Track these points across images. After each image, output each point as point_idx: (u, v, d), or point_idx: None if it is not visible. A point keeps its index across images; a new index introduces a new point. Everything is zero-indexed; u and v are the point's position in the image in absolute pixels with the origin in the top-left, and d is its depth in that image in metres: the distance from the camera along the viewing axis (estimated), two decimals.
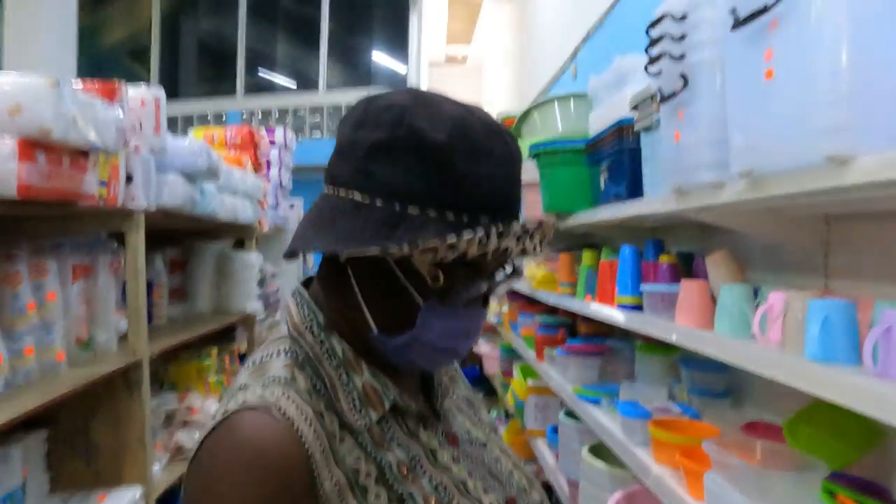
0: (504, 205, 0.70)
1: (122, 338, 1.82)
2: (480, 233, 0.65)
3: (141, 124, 1.78)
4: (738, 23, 1.05)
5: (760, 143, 1.06)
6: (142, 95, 1.80)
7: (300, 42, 9.35)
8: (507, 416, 3.99)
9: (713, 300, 1.44)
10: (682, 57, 1.30)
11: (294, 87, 9.19)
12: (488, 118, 0.72)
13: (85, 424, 1.72)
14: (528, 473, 0.87)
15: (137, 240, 1.71)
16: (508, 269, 0.77)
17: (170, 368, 2.27)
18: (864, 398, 0.84)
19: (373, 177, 0.69)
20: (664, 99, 1.37)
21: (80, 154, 1.37)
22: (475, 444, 0.82)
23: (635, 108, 1.68)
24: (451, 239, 0.65)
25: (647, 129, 1.63)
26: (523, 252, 0.70)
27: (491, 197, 0.69)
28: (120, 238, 1.78)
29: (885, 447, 1.23)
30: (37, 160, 1.19)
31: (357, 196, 0.69)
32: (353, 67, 9.35)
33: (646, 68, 1.42)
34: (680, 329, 1.41)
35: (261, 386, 0.69)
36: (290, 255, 0.76)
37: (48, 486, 1.66)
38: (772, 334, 1.15)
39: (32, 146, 1.18)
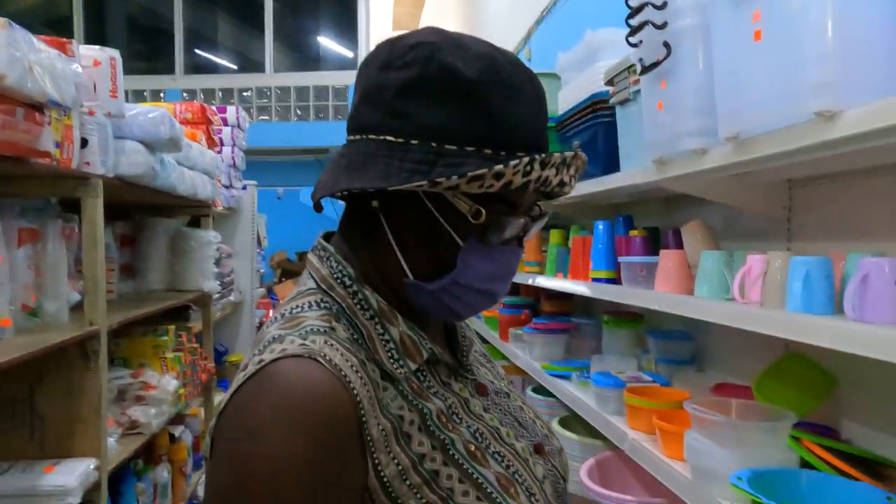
0: (537, 142, 0.70)
1: (74, 309, 1.73)
2: (526, 160, 0.64)
3: (95, 86, 1.68)
4: None
5: (748, 106, 1.08)
6: (95, 55, 1.70)
7: (242, 23, 9.09)
8: None
9: (690, 268, 1.47)
10: (664, 25, 1.31)
11: (235, 69, 8.93)
12: (515, 58, 0.72)
13: (29, 395, 1.62)
14: (546, 422, 0.87)
15: (95, 206, 1.62)
16: (538, 211, 0.76)
17: (121, 343, 2.17)
18: (846, 339, 0.87)
19: (406, 117, 0.67)
20: (645, 69, 1.38)
21: (35, 108, 1.28)
22: (501, 395, 0.82)
23: (610, 82, 1.69)
24: (499, 167, 0.64)
25: (624, 102, 1.64)
26: (561, 184, 0.70)
27: (525, 132, 0.69)
28: (70, 206, 1.68)
29: (835, 396, 1.34)
30: None
31: (390, 138, 0.67)
32: (299, 51, 9.16)
33: (627, 39, 1.42)
34: (662, 297, 1.43)
35: (299, 336, 0.65)
36: (318, 204, 0.72)
37: None
38: (752, 294, 1.18)
39: None
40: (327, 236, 0.80)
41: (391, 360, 0.69)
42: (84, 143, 1.63)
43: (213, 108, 3.57)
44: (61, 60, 1.32)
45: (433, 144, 0.66)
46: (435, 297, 0.71)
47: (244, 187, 3.97)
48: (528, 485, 0.71)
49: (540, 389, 2.37)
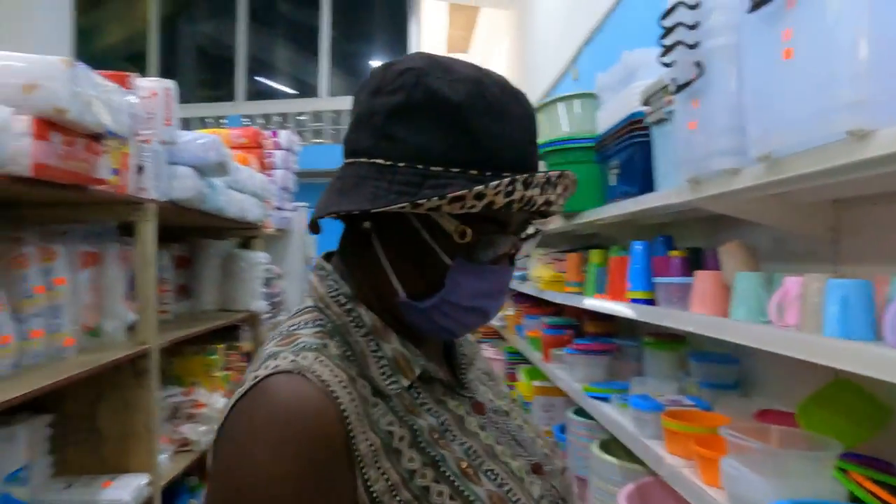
0: (524, 162, 0.71)
1: (130, 329, 1.81)
2: (506, 181, 0.66)
3: (152, 115, 1.78)
4: (756, 5, 1.06)
5: (779, 125, 1.06)
6: (152, 86, 1.80)
7: (299, 49, 9.39)
8: None
9: (727, 290, 1.44)
10: (696, 45, 1.31)
11: (294, 93, 9.21)
12: (502, 79, 0.73)
13: (91, 412, 1.71)
14: (549, 442, 0.87)
15: (148, 230, 1.71)
16: (531, 229, 0.78)
17: (174, 362, 2.26)
18: (886, 367, 0.84)
19: (394, 140, 0.69)
20: (678, 89, 1.37)
21: (94, 138, 1.37)
22: (499, 413, 0.82)
23: (646, 102, 1.69)
24: (479, 187, 0.65)
25: (659, 122, 1.63)
26: (548, 203, 0.71)
27: (511, 154, 0.70)
28: (128, 229, 1.77)
29: (893, 427, 1.26)
30: (51, 140, 1.19)
31: (380, 161, 0.70)
32: (352, 74, 9.38)
33: (659, 59, 1.42)
34: (696, 318, 1.41)
35: (292, 353, 0.68)
36: (314, 224, 0.76)
37: (52, 470, 1.64)
38: (788, 317, 1.15)
39: (47, 125, 1.18)
40: (328, 256, 0.82)
41: (383, 377, 0.71)
42: (140, 169, 1.72)
43: (267, 132, 3.69)
44: (118, 93, 1.41)
45: (420, 167, 0.68)
46: (427, 316, 0.73)
47: (295, 209, 4.07)
48: (522, 503, 0.71)
49: (581, 411, 2.34)
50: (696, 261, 1.73)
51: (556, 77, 4.88)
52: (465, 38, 9.52)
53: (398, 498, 0.65)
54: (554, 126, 2.79)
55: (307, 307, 0.77)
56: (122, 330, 1.76)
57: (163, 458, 1.87)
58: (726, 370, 1.83)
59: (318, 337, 0.71)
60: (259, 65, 9.26)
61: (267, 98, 9.10)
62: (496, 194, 0.66)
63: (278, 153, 3.79)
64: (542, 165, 2.50)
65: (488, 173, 0.68)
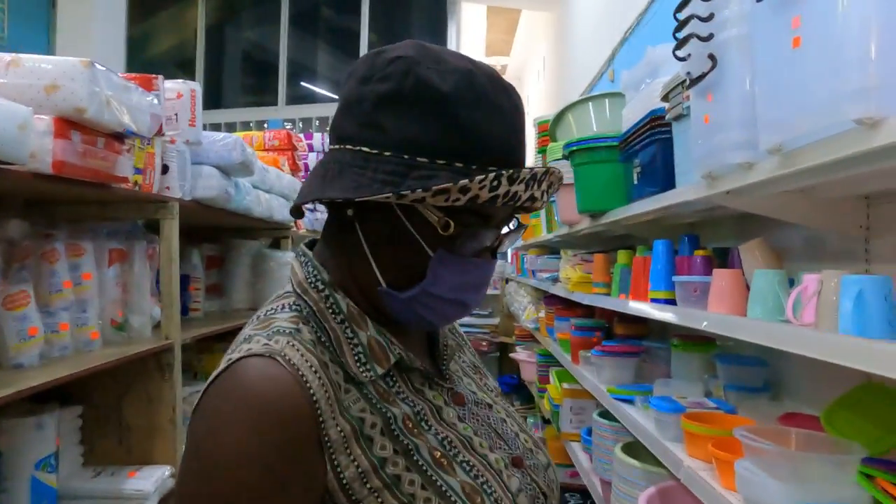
0: (510, 157, 0.71)
1: (157, 326, 1.86)
2: (492, 175, 0.65)
3: (177, 116, 1.83)
4: None
5: (789, 116, 1.02)
6: (178, 88, 1.85)
7: (340, 53, 9.52)
8: (544, 421, 3.95)
9: (747, 289, 1.40)
10: (709, 37, 1.27)
11: (335, 98, 9.33)
12: (492, 72, 0.73)
13: (118, 404, 1.76)
14: (535, 437, 0.86)
15: (171, 227, 1.75)
16: (513, 223, 0.78)
17: (204, 359, 2.31)
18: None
19: (381, 128, 0.69)
20: (693, 83, 1.34)
21: (115, 137, 1.42)
22: (481, 406, 0.82)
23: (665, 97, 1.65)
24: (464, 181, 0.64)
25: (678, 117, 1.60)
26: (532, 200, 0.70)
27: (498, 148, 0.69)
28: (154, 228, 1.82)
29: None
30: (72, 138, 1.23)
31: (365, 149, 0.69)
32: None
33: (674, 52, 1.39)
34: (710, 316, 1.38)
35: (265, 336, 0.69)
36: (297, 209, 0.76)
37: (81, 460, 1.70)
38: (805, 315, 1.11)
39: (68, 125, 1.22)
40: (311, 244, 0.83)
41: (357, 364, 0.71)
42: (165, 169, 1.77)
43: (301, 135, 3.75)
44: (137, 94, 1.45)
45: (405, 156, 0.68)
46: (407, 306, 0.73)
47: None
48: (497, 496, 0.70)
49: (606, 414, 2.31)
50: (722, 260, 1.69)
51: (594, 78, 4.83)
52: (506, 41, 9.50)
53: (368, 485, 0.65)
54: (584, 126, 2.76)
55: (286, 292, 0.78)
56: (148, 325, 1.81)
57: None
58: (753, 372, 1.78)
59: (292, 322, 0.71)
60: (301, 69, 9.42)
61: (309, 102, 9.25)
62: (481, 188, 0.65)
63: (311, 155, 3.84)
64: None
65: (474, 166, 0.68)
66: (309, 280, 0.76)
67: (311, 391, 0.65)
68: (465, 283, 0.73)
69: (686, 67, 1.37)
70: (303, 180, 3.63)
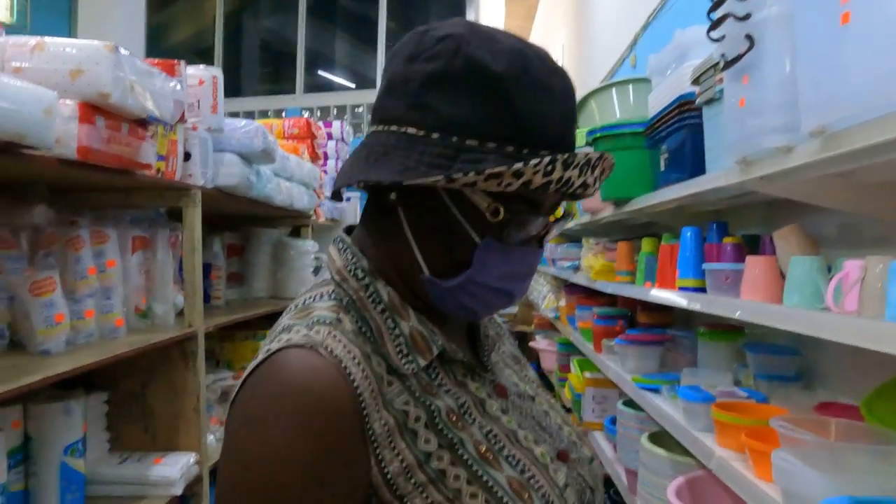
0: (562, 141, 0.67)
1: (180, 314, 1.86)
2: (547, 160, 0.62)
3: (199, 103, 1.82)
4: None
5: (834, 97, 0.99)
6: (200, 74, 1.84)
7: (358, 41, 9.49)
8: (565, 410, 3.93)
9: (782, 276, 1.36)
10: (746, 17, 1.23)
11: (353, 87, 9.33)
12: (544, 53, 0.70)
13: (143, 392, 1.77)
14: (578, 430, 0.83)
15: (194, 215, 1.75)
16: (561, 211, 0.76)
17: (226, 347, 2.31)
18: None
19: (428, 109, 0.66)
20: (728, 64, 1.30)
21: (139, 123, 1.41)
22: (524, 398, 0.79)
23: (696, 81, 1.62)
24: (518, 165, 0.61)
25: (710, 102, 1.56)
26: (584, 186, 0.67)
27: (551, 132, 0.66)
28: (177, 215, 1.82)
29: None
30: (96, 124, 1.22)
31: (411, 130, 0.66)
32: None
33: (708, 33, 1.35)
34: (745, 304, 1.34)
35: (305, 326, 0.66)
36: (337, 193, 0.74)
37: (108, 446, 1.71)
38: (847, 303, 1.08)
39: (92, 110, 1.21)
40: (350, 229, 0.80)
41: (399, 355, 0.68)
42: (187, 156, 1.76)
43: (320, 123, 3.74)
44: (161, 79, 1.44)
45: (454, 139, 0.64)
46: (451, 294, 0.70)
47: (348, 199, 4.12)
48: (544, 491, 0.68)
49: (631, 403, 2.28)
50: (752, 248, 1.65)
51: (615, 64, 4.76)
52: (524, 28, 9.41)
53: (413, 480, 0.63)
54: (607, 112, 2.71)
55: (324, 280, 0.75)
56: (172, 313, 1.81)
57: (211, 438, 1.91)
58: (785, 361, 1.74)
59: (332, 311, 0.69)
60: (319, 58, 9.41)
61: (326, 90, 9.24)
62: (535, 173, 0.62)
63: (330, 143, 3.83)
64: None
65: (525, 151, 0.65)
66: (348, 268, 0.73)
67: (355, 383, 0.62)
68: (512, 273, 0.70)
69: (721, 49, 1.33)
70: (323, 169, 3.63)
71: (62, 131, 1.16)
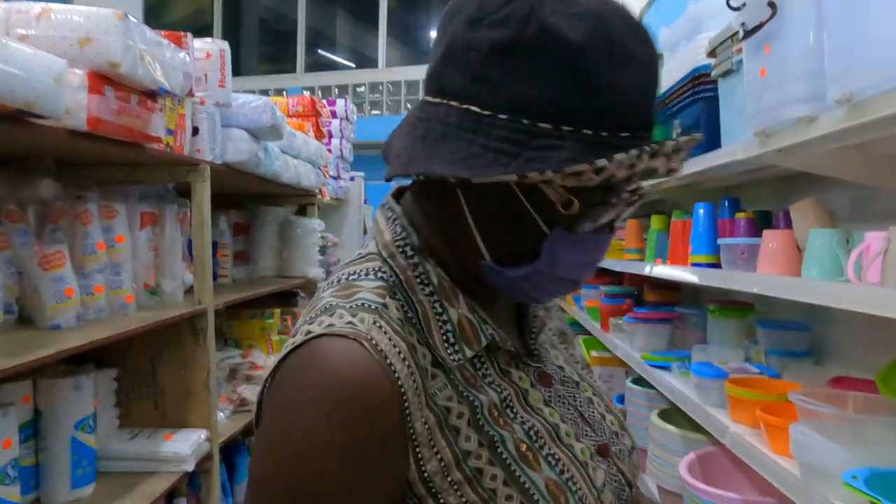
0: (644, 120, 0.59)
1: (188, 291, 1.85)
2: (634, 153, 0.55)
3: (206, 76, 1.79)
4: None
5: (861, 64, 0.97)
6: (207, 48, 1.82)
7: (359, 20, 9.41)
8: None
9: (798, 251, 1.35)
10: None
11: (353, 66, 9.26)
12: (626, 12, 0.60)
13: (153, 368, 1.76)
14: (620, 418, 0.79)
15: (203, 190, 1.73)
16: (635, 193, 0.66)
17: (233, 325, 2.31)
18: None
19: (495, 84, 0.58)
20: (748, 34, 1.28)
21: (148, 95, 1.38)
22: (568, 384, 0.75)
23: (712, 53, 1.59)
24: (602, 161, 0.54)
25: (726, 73, 1.54)
26: (669, 172, 0.61)
27: (632, 111, 0.58)
28: (185, 192, 1.80)
29: None
30: (105, 94, 1.20)
31: (475, 108, 0.59)
32: (411, 45, 9.35)
33: (728, 2, 1.33)
34: (764, 279, 1.33)
35: (349, 311, 0.61)
36: (393, 178, 0.65)
37: (118, 422, 1.71)
38: (869, 275, 1.07)
39: (102, 80, 1.19)
40: (399, 193, 0.74)
41: (445, 345, 0.64)
42: (195, 131, 1.74)
43: (324, 101, 3.70)
44: (170, 50, 1.42)
45: (525, 121, 0.57)
46: (513, 283, 0.65)
47: (352, 178, 4.09)
48: (581, 494, 0.65)
49: (640, 381, 2.28)
50: (765, 223, 1.64)
51: None
52: None
53: (449, 478, 0.60)
54: None
55: (370, 254, 0.70)
56: (181, 290, 1.80)
57: (221, 416, 1.91)
58: (796, 337, 1.74)
59: (378, 294, 0.64)
60: (319, 37, 9.33)
61: (327, 70, 9.19)
62: (619, 167, 0.55)
63: (335, 122, 3.80)
64: None
65: (604, 133, 0.57)
66: (396, 242, 0.68)
67: (399, 382, 0.58)
68: (581, 262, 0.65)
69: (740, 18, 1.31)
70: (328, 147, 3.60)
71: (72, 101, 1.14)
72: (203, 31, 8.97)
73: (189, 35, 1.66)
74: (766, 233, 1.41)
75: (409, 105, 8.68)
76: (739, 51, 1.41)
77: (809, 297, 1.14)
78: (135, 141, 1.38)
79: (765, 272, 1.38)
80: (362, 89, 8.84)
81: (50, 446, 1.42)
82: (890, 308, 0.92)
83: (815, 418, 1.14)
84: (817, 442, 1.11)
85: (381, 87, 8.78)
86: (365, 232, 4.36)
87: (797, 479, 1.16)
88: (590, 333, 3.28)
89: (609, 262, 2.72)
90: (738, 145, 1.45)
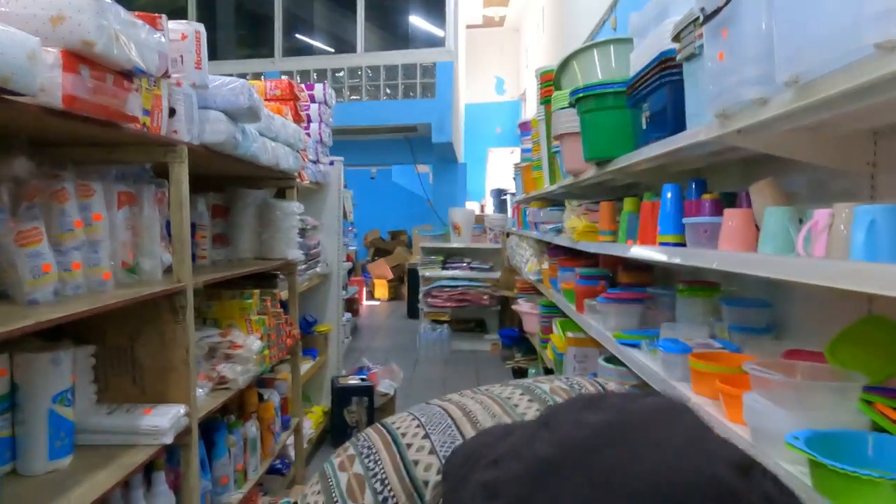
0: None
1: (167, 271, 1.87)
2: None
3: (182, 58, 1.81)
4: None
5: (806, 45, 1.02)
6: (182, 29, 1.82)
7: (336, 5, 9.34)
8: (547, 371, 4.02)
9: (757, 229, 1.41)
10: None
11: (332, 51, 9.21)
12: None
13: (131, 346, 1.79)
14: None
15: (181, 171, 1.74)
16: None
17: (213, 305, 2.33)
18: None
19: None
20: (707, 18, 1.33)
21: (123, 75, 1.40)
22: None
23: (677, 38, 1.64)
24: None
25: (690, 57, 1.58)
26: None
27: None
28: (164, 174, 1.82)
29: None
30: (81, 73, 1.22)
31: None
32: (390, 30, 9.31)
33: None
34: (720, 254, 1.39)
35: None
36: None
37: (95, 398, 1.73)
38: (816, 249, 1.12)
39: (76, 58, 1.21)
40: None
41: None
42: (172, 112, 1.75)
43: (302, 85, 3.71)
44: (145, 31, 1.43)
45: None
46: None
47: (331, 163, 4.10)
48: None
49: (612, 359, 2.35)
50: (729, 204, 1.69)
51: (595, 27, 4.76)
52: None
53: None
54: (590, 74, 2.72)
55: None
56: (160, 269, 1.82)
57: (200, 392, 1.94)
58: (758, 314, 1.81)
59: None
60: (297, 21, 9.26)
61: (305, 55, 9.12)
62: None
63: (313, 106, 3.80)
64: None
65: None
66: None
67: None
68: None
69: (700, 3, 1.35)
70: (306, 131, 3.60)
71: (46, 79, 1.16)
72: (177, 13, 8.86)
73: (164, 17, 1.67)
74: (727, 211, 1.46)
75: (388, 90, 8.65)
76: (701, 35, 1.45)
77: (762, 270, 1.20)
78: (111, 120, 1.39)
79: (725, 249, 1.43)
80: (341, 74, 8.80)
81: (27, 419, 1.44)
82: (830, 278, 0.98)
83: (765, 386, 1.21)
84: (766, 408, 1.18)
85: (359, 72, 8.74)
86: (345, 216, 4.38)
87: (748, 444, 1.23)
88: (566, 315, 3.35)
89: (583, 245, 2.78)
90: (701, 127, 1.50)
